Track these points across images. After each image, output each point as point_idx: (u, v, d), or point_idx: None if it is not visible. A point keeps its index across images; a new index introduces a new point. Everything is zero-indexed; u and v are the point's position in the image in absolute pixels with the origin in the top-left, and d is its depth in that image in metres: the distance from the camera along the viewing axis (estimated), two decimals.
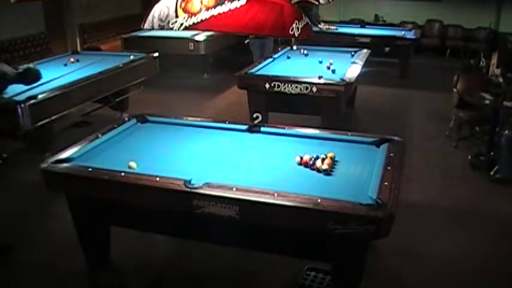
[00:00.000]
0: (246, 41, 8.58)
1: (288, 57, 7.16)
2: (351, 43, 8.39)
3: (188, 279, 3.67)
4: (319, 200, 2.74)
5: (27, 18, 8.14)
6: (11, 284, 3.65)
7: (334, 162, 3.38)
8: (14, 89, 4.78)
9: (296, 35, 3.32)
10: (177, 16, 3.46)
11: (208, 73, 9.52)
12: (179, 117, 4.34)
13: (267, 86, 5.65)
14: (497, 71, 6.85)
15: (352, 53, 7.23)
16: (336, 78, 5.71)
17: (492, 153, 5.49)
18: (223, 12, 3.36)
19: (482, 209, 4.71)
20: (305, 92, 5.51)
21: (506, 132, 5.20)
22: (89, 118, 6.55)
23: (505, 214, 4.61)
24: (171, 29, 3.49)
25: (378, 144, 3.68)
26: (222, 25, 3.42)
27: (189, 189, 2.92)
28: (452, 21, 11.66)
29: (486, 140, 5.78)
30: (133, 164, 3.25)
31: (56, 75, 5.53)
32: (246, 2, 3.33)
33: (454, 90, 6.24)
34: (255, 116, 5.84)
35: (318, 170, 3.29)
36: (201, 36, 8.81)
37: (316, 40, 7.13)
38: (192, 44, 8.79)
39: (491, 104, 5.49)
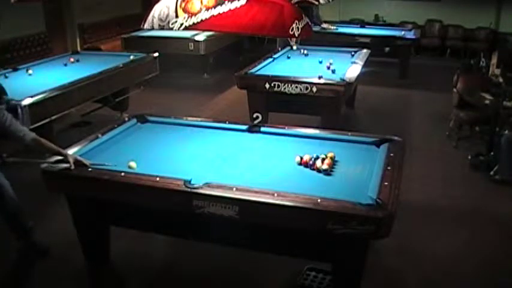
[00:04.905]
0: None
1: (288, 57, 7.16)
2: (351, 43, 8.38)
3: (188, 279, 3.66)
4: (319, 200, 2.74)
5: (27, 18, 8.12)
6: (11, 284, 3.65)
7: (334, 162, 3.38)
8: (14, 89, 4.77)
9: (296, 35, 3.32)
10: (177, 16, 3.45)
11: (208, 73, 9.51)
12: (179, 117, 4.34)
13: (267, 86, 5.64)
14: (497, 71, 6.84)
15: (352, 53, 7.23)
16: (335, 78, 5.70)
17: (492, 153, 5.49)
18: (223, 12, 3.35)
19: (482, 209, 4.71)
20: (305, 92, 5.51)
21: (506, 132, 5.20)
22: (89, 118, 6.56)
23: (505, 214, 4.61)
24: (171, 29, 3.48)
25: (378, 144, 3.68)
26: (222, 25, 3.42)
27: (189, 189, 2.92)
28: (452, 21, 11.65)
29: (486, 140, 5.79)
30: (133, 164, 3.26)
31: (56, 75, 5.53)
32: (246, 2, 3.32)
33: (454, 90, 6.24)
34: (255, 116, 5.84)
35: (318, 170, 3.29)
36: (201, 36, 8.81)
37: (316, 40, 7.12)
38: (192, 44, 8.79)
39: (491, 104, 5.49)
